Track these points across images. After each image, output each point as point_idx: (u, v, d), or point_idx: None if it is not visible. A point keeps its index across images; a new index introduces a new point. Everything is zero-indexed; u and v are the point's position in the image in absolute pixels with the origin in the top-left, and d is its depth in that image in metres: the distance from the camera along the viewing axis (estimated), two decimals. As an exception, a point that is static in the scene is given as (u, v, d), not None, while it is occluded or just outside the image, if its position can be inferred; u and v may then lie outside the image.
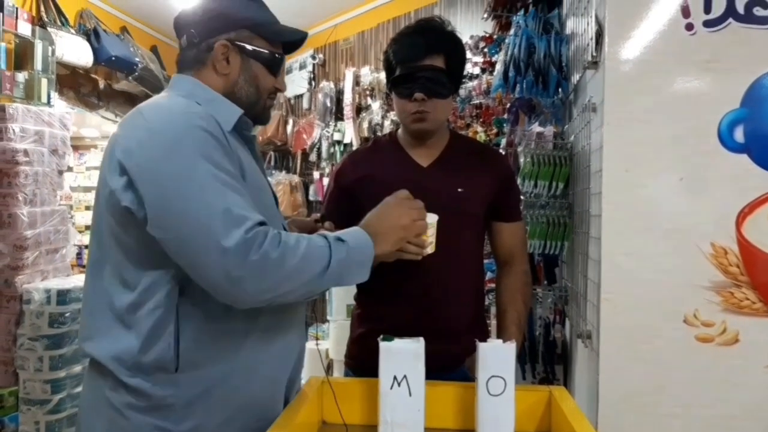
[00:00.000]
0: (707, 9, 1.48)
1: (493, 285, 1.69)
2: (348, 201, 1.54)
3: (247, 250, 0.94)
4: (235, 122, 1.13)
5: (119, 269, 1.05)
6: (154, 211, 0.97)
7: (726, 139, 1.48)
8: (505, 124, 2.99)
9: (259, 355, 1.12)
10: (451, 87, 1.48)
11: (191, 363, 1.04)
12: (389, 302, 1.51)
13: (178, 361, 1.03)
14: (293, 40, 1.26)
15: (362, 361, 1.55)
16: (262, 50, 1.18)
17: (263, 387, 1.14)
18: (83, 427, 1.11)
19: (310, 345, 2.30)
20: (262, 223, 0.99)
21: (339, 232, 1.09)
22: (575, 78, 2.04)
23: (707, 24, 1.48)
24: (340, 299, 4.13)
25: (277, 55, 1.21)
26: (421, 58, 1.44)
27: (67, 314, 2.97)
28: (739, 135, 1.47)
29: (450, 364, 1.42)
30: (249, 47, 1.16)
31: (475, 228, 1.57)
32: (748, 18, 1.47)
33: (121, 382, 1.03)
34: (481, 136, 3.39)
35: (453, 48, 1.48)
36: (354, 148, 5.12)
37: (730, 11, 1.47)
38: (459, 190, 1.50)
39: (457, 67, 1.49)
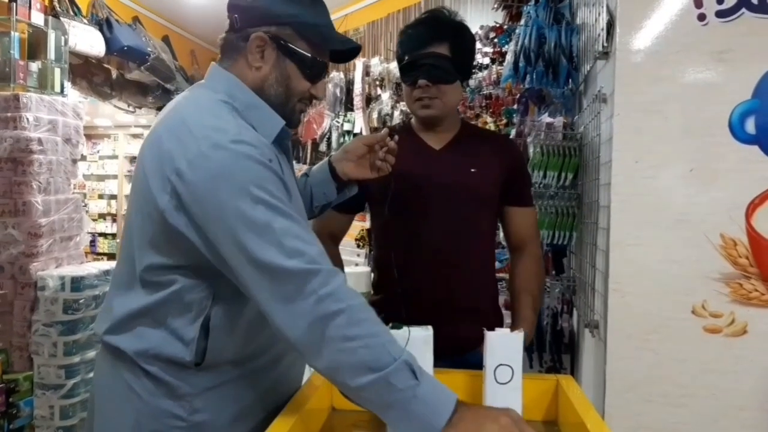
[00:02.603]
0: (720, -1, 1.47)
1: (501, 274, 1.70)
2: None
3: (305, 282, 0.90)
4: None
5: (151, 268, 1.04)
6: (213, 243, 0.96)
7: (737, 131, 1.47)
8: (514, 115, 2.99)
9: (281, 360, 1.13)
10: (456, 73, 1.49)
11: (213, 363, 1.04)
12: (407, 283, 1.52)
13: (201, 359, 1.03)
14: (342, 50, 1.18)
15: None
16: (301, 52, 1.11)
17: (280, 382, 1.15)
18: (98, 404, 1.12)
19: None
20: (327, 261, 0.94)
21: (427, 375, 0.93)
22: (585, 68, 2.03)
23: (720, 14, 1.47)
24: (351, 287, 4.15)
25: (318, 60, 1.13)
26: (425, 46, 1.47)
27: (81, 301, 3.01)
28: (750, 126, 1.46)
29: (466, 344, 1.43)
30: (287, 46, 1.10)
31: (489, 210, 1.58)
32: (761, 8, 1.46)
33: (140, 367, 1.04)
34: (491, 127, 3.39)
35: (458, 36, 1.50)
36: (364, 138, 5.12)
37: (744, 1, 1.46)
38: (472, 170, 1.52)
39: (462, 55, 1.50)
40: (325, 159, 1.40)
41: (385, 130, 1.34)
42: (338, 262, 1.58)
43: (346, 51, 1.19)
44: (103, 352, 1.11)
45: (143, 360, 1.04)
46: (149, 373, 1.04)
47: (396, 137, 1.34)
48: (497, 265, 1.69)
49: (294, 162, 1.27)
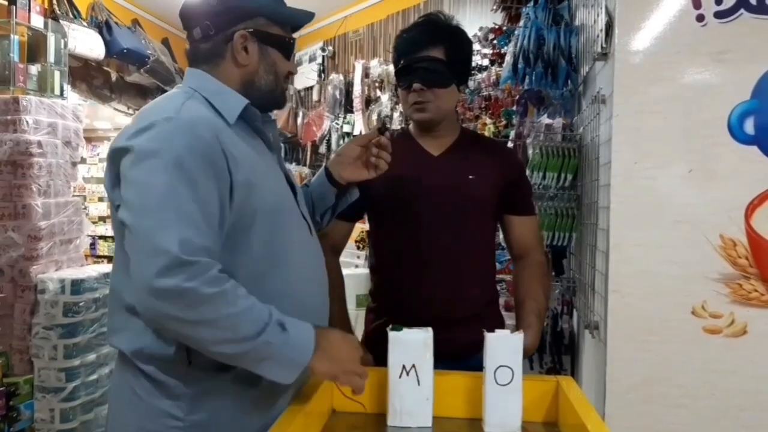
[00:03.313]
0: (718, 0, 1.47)
1: (500, 276, 1.69)
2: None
3: (180, 273, 0.92)
4: (241, 113, 1.12)
5: (127, 265, 1.04)
6: (124, 204, 1.00)
7: (736, 131, 1.47)
8: (514, 116, 2.99)
9: None
10: (451, 77, 1.49)
11: (204, 360, 1.04)
12: (404, 290, 1.51)
13: (190, 356, 1.04)
14: (304, 23, 1.24)
15: (380, 352, 1.56)
16: (278, 36, 1.18)
17: (280, 384, 1.14)
18: (112, 407, 1.16)
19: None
20: (210, 255, 0.97)
21: (290, 321, 1.02)
22: (584, 69, 2.03)
23: (718, 15, 1.48)
24: (350, 288, 4.15)
25: (289, 39, 1.20)
26: (419, 49, 1.47)
27: (81, 303, 3.00)
28: (749, 127, 1.47)
29: (465, 349, 1.43)
30: (266, 35, 1.16)
31: (488, 216, 1.57)
32: (760, 9, 1.46)
33: (139, 368, 1.06)
34: (490, 128, 3.39)
35: (453, 39, 1.50)
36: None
37: (742, 2, 1.46)
38: (470, 177, 1.52)
39: (458, 58, 1.50)
40: (323, 166, 1.41)
41: (374, 128, 1.35)
42: (338, 275, 1.56)
43: (306, 22, 1.26)
44: (117, 357, 1.15)
45: (140, 360, 1.06)
46: (147, 374, 1.06)
47: (387, 133, 1.34)
48: (497, 266, 1.69)
49: (293, 164, 1.27)
